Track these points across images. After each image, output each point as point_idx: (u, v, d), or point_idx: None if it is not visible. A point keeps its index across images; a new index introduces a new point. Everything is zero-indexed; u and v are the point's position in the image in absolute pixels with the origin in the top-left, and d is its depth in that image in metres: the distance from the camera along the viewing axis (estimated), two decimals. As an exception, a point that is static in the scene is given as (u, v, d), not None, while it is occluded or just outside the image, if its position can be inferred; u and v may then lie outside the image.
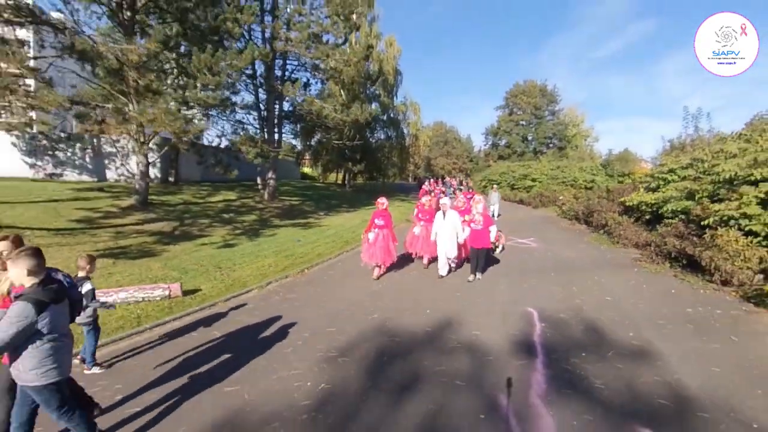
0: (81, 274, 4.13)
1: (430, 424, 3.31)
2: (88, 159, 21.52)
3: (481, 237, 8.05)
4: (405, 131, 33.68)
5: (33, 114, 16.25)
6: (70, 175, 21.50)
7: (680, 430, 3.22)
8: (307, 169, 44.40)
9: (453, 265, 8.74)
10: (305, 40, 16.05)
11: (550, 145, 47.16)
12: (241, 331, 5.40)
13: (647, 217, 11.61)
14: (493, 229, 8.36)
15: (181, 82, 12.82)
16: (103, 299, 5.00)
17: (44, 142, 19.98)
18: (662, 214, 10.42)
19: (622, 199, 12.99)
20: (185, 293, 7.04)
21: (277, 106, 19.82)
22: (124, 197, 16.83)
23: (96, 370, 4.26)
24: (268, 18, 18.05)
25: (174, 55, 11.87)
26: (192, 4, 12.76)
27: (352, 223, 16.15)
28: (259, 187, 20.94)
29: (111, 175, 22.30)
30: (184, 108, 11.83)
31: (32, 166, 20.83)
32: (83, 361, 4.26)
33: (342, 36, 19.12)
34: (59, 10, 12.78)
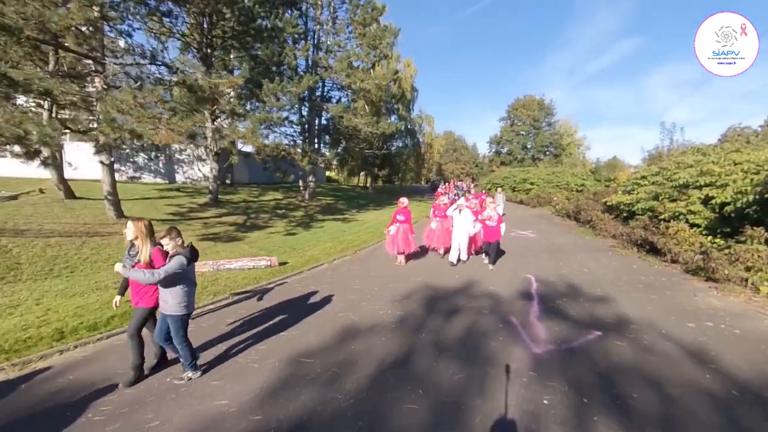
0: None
1: (469, 330, 5.10)
2: (161, 165, 23.75)
3: (493, 232, 8.60)
4: (420, 140, 35.49)
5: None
6: (146, 178, 23.73)
7: (618, 332, 4.97)
8: (331, 173, 46.36)
9: (465, 258, 9.16)
10: (345, 68, 17.90)
11: (547, 153, 48.41)
12: (332, 285, 7.24)
13: (624, 214, 13.16)
14: (503, 226, 8.80)
15: (253, 106, 14.79)
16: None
17: (126, 150, 22.20)
18: (634, 212, 11.99)
19: (605, 200, 14.58)
20: (279, 264, 8.97)
21: (316, 120, 21.81)
22: (197, 196, 18.88)
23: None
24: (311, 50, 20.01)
25: (249, 84, 13.74)
26: (261, 45, 14.75)
27: (382, 218, 17.96)
28: (301, 188, 22.84)
29: (179, 178, 24.51)
30: (261, 126, 13.69)
31: (116, 170, 23.08)
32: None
33: (372, 62, 21.01)
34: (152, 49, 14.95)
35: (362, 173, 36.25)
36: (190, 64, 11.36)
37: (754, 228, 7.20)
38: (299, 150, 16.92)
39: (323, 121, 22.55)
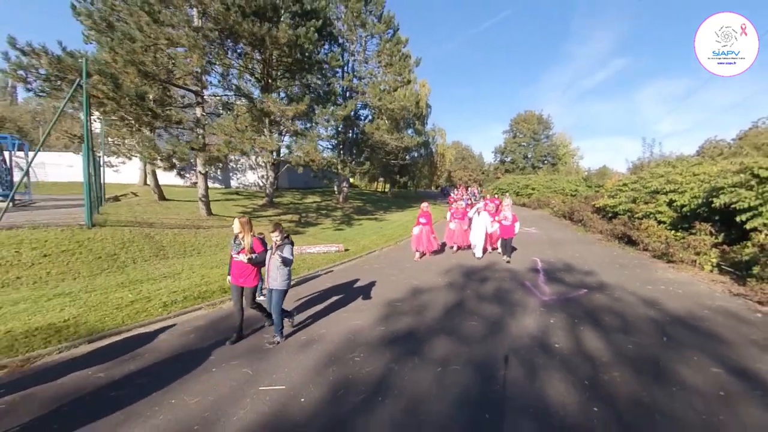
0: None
1: (498, 288, 6.96)
2: (219, 172, 26.01)
3: (508, 230, 9.30)
4: (433, 150, 37.37)
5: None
6: (208, 183, 25.97)
7: (598, 290, 6.79)
8: (353, 179, 48.40)
9: (479, 255, 9.76)
10: (377, 93, 19.89)
11: (545, 162, 49.86)
12: (390, 264, 9.15)
13: (609, 214, 14.88)
14: (518, 225, 9.42)
15: (303, 125, 16.85)
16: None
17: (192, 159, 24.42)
18: (617, 212, 13.71)
19: (594, 203, 16.29)
20: (344, 250, 10.90)
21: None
22: (253, 198, 20.99)
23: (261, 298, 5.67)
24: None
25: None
26: (311, 76, 16.81)
27: (407, 218, 19.85)
28: (336, 192, 24.84)
29: (233, 183, 26.77)
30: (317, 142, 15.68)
31: (182, 177, 25.37)
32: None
33: (396, 87, 22.99)
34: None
35: (381, 179, 38.19)
36: (267, 97, 13.34)
37: (702, 223, 8.95)
38: (340, 161, 18.90)
39: (352, 135, 24.57)
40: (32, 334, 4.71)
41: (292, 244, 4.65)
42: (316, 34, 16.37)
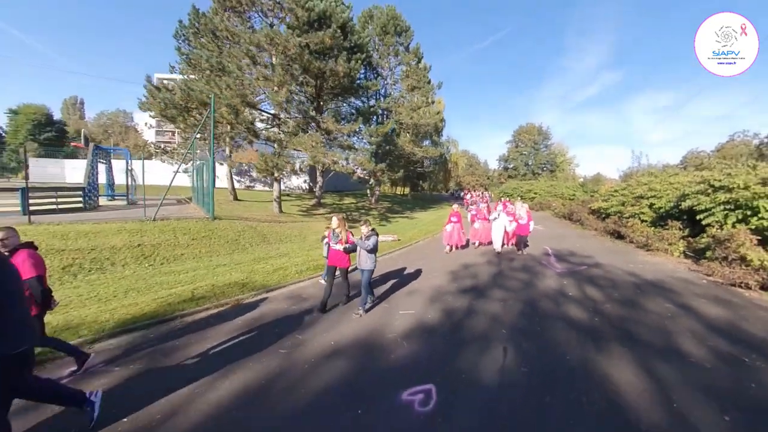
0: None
1: (523, 265, 9.06)
2: (268, 178, 28.47)
3: (524, 228, 10.38)
4: (447, 158, 39.56)
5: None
6: (258, 186, 28.44)
7: (594, 267, 8.85)
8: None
9: (498, 249, 10.70)
10: (409, 112, 22.10)
11: (544, 169, 51.58)
12: (436, 250, 11.24)
13: (603, 215, 16.82)
14: (532, 224, 10.49)
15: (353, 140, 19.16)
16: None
17: (245, 166, 26.93)
18: (609, 213, 15.67)
19: (590, 206, 18.24)
20: (398, 239, 13.05)
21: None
22: (303, 199, 23.33)
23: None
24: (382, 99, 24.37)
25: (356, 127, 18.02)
26: (357, 100, 19.08)
27: (433, 217, 22.00)
28: (369, 194, 27.10)
29: (281, 186, 29.19)
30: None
31: (238, 181, 27.88)
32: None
33: (420, 106, 25.19)
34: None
35: (400, 184, 40.37)
36: (325, 118, 15.60)
37: (674, 221, 10.95)
38: (380, 169, 21.17)
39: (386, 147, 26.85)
40: (227, 287, 6.74)
41: (377, 235, 5.30)
42: (361, 65, 18.68)
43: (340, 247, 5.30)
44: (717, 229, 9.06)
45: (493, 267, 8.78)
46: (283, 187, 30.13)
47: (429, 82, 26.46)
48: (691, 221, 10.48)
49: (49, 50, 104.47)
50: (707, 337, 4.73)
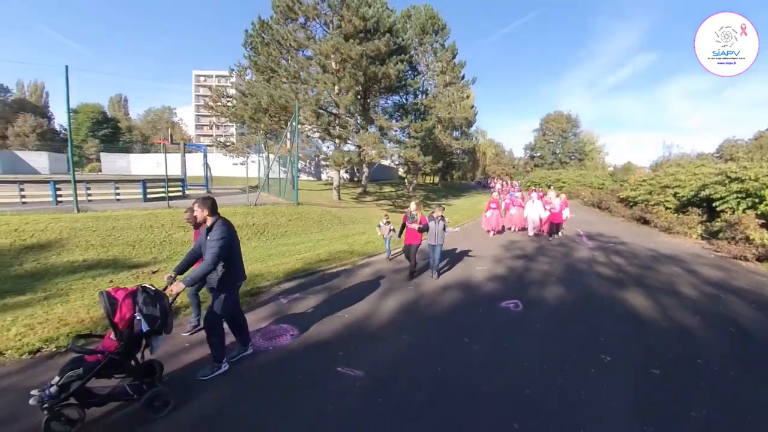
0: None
1: (560, 243, 11.15)
2: (313, 168, 31.20)
3: (557, 216, 11.53)
4: (475, 147, 41.13)
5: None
6: (303, 176, 31.18)
7: (621, 244, 10.82)
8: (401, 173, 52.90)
9: (531, 234, 11.97)
10: (446, 107, 23.99)
11: (572, 158, 51.98)
12: (481, 231, 13.46)
13: (631, 203, 18.41)
14: (567, 211, 11.70)
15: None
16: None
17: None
18: (637, 201, 17.28)
19: (618, 194, 19.78)
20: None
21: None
22: (348, 188, 25.83)
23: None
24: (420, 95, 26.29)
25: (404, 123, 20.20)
26: (400, 98, 21.16)
27: (468, 204, 24.04)
28: (406, 183, 29.33)
29: (323, 177, 31.87)
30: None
31: (284, 171, 30.73)
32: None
33: (454, 101, 26.95)
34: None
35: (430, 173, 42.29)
36: (378, 116, 17.81)
37: (694, 208, 12.63)
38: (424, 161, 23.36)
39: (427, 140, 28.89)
40: (339, 254, 9.11)
41: (445, 219, 6.77)
42: (406, 65, 20.70)
43: (416, 226, 6.47)
44: (729, 214, 10.78)
45: (535, 243, 10.92)
46: (324, 177, 32.88)
47: (463, 77, 28.10)
48: (709, 208, 12.15)
49: (85, 49, 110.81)
50: (700, 286, 6.79)
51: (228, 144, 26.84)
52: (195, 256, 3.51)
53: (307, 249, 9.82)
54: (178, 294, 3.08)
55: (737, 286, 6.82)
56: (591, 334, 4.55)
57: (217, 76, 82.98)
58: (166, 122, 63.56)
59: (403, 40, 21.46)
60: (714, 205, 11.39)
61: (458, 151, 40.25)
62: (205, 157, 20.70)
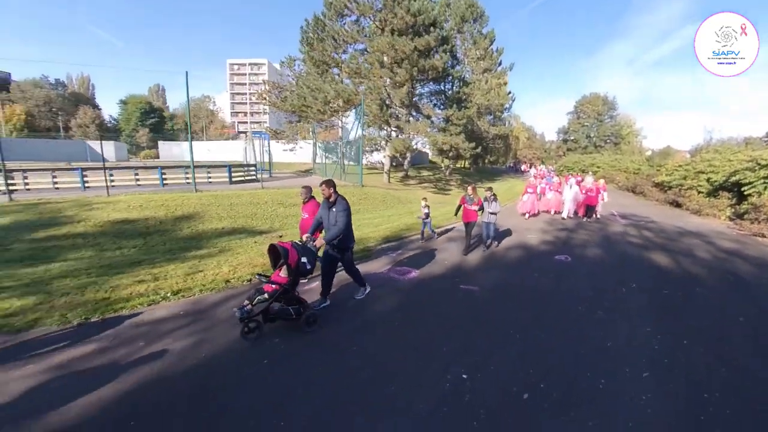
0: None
1: (597, 221, 12.92)
2: (353, 153, 33.46)
3: (593, 199, 12.34)
4: (509, 132, 41.97)
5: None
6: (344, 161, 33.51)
7: (652, 222, 12.47)
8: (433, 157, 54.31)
9: (565, 216, 12.72)
10: (484, 94, 25.41)
11: (608, 142, 51.53)
12: (515, 214, 15.36)
13: (666, 188, 19.56)
14: (605, 194, 12.67)
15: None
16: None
17: (332, 143, 31.98)
18: (671, 186, 18.47)
19: (654, 179, 20.88)
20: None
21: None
22: (392, 173, 28.01)
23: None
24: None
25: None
26: (442, 86, 22.81)
27: (504, 187, 25.68)
28: (443, 167, 31.17)
29: (363, 162, 34.13)
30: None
31: (327, 157, 33.20)
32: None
33: (492, 88, 28.18)
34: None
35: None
36: (424, 106, 19.67)
37: (724, 192, 13.95)
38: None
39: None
40: (412, 226, 11.52)
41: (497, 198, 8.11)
42: (449, 55, 22.27)
43: (475, 207, 7.57)
44: (756, 197, 12.15)
45: (573, 221, 12.77)
46: (365, 162, 35.18)
47: (500, 64, 29.15)
48: (739, 193, 13.45)
49: (117, 40, 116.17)
50: (714, 252, 8.59)
51: (278, 131, 29.45)
52: (318, 224, 4.70)
53: (383, 222, 12.13)
54: (320, 247, 4.43)
55: (747, 254, 8.55)
56: (622, 275, 6.61)
57: (250, 64, 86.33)
58: (206, 111, 67.36)
59: (444, 30, 22.93)
60: (743, 189, 12.73)
61: (492, 136, 41.32)
62: (269, 144, 23.38)
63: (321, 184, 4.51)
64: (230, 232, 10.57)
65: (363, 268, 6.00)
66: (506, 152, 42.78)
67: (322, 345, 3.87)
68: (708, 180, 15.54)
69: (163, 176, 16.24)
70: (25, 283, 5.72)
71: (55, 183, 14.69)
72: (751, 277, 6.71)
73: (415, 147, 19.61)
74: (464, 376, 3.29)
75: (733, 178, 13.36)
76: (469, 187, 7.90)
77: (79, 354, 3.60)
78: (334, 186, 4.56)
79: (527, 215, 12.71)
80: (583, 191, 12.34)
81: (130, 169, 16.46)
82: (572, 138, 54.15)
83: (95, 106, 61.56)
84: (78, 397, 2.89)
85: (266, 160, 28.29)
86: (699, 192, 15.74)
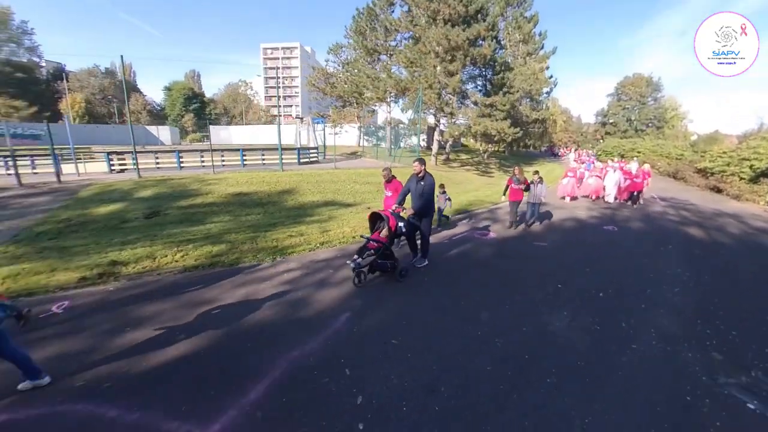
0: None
1: (638, 203, 14.44)
2: (393, 137, 35.33)
3: (637, 185, 12.81)
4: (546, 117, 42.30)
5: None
6: (383, 144, 35.45)
7: (690, 204, 13.82)
8: (465, 141, 55.13)
9: (608, 201, 13.16)
10: (527, 79, 26.41)
11: (650, 125, 50.42)
12: (555, 198, 16.90)
13: (708, 174, 20.33)
14: (650, 180, 13.30)
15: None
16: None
17: (372, 127, 33.84)
18: (714, 172, 19.30)
19: (696, 165, 21.62)
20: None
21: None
22: (428, 155, 29.74)
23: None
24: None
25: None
26: (486, 71, 24.07)
27: (543, 171, 26.85)
28: (481, 151, 32.48)
29: (401, 145, 35.96)
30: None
31: (367, 140, 35.24)
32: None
33: (534, 73, 28.94)
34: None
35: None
36: (473, 93, 21.14)
37: (765, 179, 14.95)
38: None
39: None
40: (475, 201, 13.38)
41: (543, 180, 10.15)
42: (495, 42, 23.42)
43: (522, 187, 8.49)
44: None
45: (618, 204, 14.32)
46: (403, 145, 36.97)
47: (542, 48, 29.73)
48: (779, 178, 14.47)
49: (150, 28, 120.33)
50: (744, 228, 10.11)
51: (323, 115, 31.70)
52: (405, 195, 5.52)
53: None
54: (410, 215, 5.44)
55: (774, 231, 10.05)
56: (661, 241, 8.41)
57: (283, 48, 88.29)
58: (243, 96, 70.35)
59: (491, 16, 23.97)
60: (784, 175, 13.79)
61: (532, 120, 41.77)
62: (324, 129, 25.67)
63: (414, 162, 5.41)
64: (325, 204, 12.89)
65: (446, 232, 8.15)
66: (542, 136, 43.06)
67: (451, 275, 6.08)
68: (751, 167, 16.44)
69: (244, 158, 18.91)
70: (203, 237, 7.61)
71: (158, 163, 17.60)
72: (771, 246, 8.36)
73: (453, 132, 21.32)
74: (559, 286, 5.40)
75: (775, 165, 14.37)
76: (516, 169, 8.77)
77: (291, 277, 5.54)
78: (425, 164, 5.41)
79: (568, 198, 13.45)
80: (628, 177, 12.94)
81: (217, 151, 19.17)
82: (611, 121, 53.20)
83: (140, 93, 65.82)
84: (319, 296, 5.03)
85: (320, 143, 30.96)
86: (741, 178, 16.67)
